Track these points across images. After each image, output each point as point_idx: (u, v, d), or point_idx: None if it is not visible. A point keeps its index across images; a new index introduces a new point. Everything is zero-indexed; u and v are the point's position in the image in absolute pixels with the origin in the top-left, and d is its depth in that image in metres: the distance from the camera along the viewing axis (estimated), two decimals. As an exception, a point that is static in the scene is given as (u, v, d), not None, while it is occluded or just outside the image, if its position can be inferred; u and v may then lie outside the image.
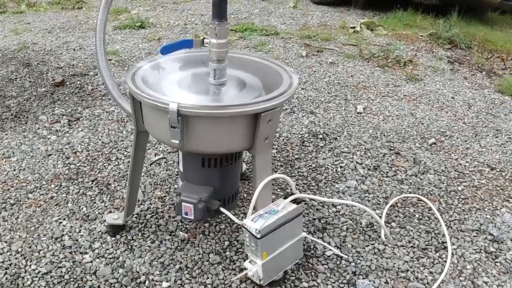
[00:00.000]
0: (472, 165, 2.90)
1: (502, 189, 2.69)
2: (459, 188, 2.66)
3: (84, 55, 4.36)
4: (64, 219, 2.29)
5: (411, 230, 2.30)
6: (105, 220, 2.22)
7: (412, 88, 3.99)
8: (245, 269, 1.77)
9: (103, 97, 3.50)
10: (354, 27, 5.54)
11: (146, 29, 5.27)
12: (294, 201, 1.79)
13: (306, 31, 5.40)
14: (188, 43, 1.76)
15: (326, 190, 2.54)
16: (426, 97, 3.83)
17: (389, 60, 4.58)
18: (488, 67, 4.77)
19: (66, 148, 2.86)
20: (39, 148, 2.86)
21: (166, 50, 1.72)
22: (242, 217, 2.26)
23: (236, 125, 1.60)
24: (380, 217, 2.34)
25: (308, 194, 2.50)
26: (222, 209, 1.84)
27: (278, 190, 2.54)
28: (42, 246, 2.12)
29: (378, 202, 2.48)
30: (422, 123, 3.36)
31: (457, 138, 3.21)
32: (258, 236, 1.66)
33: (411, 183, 2.66)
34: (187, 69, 1.97)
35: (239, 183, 2.22)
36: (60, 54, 4.39)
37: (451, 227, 2.35)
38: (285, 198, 1.81)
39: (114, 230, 2.18)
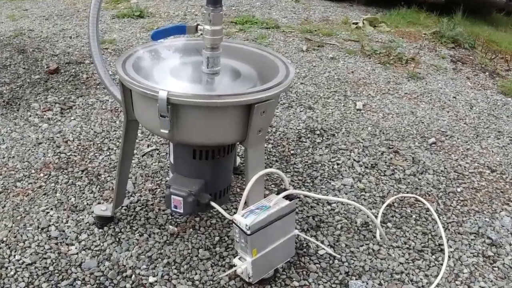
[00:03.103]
0: (472, 166, 2.86)
1: (502, 192, 2.65)
2: (458, 190, 2.62)
3: (80, 43, 4.31)
4: (52, 209, 2.25)
5: (408, 231, 2.27)
6: (93, 211, 2.17)
7: (413, 86, 3.94)
8: (235, 265, 1.73)
9: (98, 86, 3.45)
10: (356, 23, 5.49)
11: (145, 19, 5.21)
12: (287, 197, 1.75)
13: (308, 25, 5.35)
14: (181, 29, 1.71)
15: (322, 187, 2.50)
16: (428, 95, 3.79)
17: (391, 57, 4.53)
18: (491, 68, 4.73)
19: (57, 137, 2.81)
20: (29, 136, 2.81)
21: (158, 36, 1.67)
22: (234, 212, 2.21)
23: (228, 116, 1.55)
24: (376, 216, 2.30)
25: (303, 190, 2.45)
26: (212, 203, 1.79)
27: (272, 185, 2.50)
28: (27, 236, 2.08)
29: (375, 201, 2.44)
30: (423, 122, 3.31)
31: (458, 138, 3.17)
32: (248, 232, 1.61)
33: (409, 182, 2.62)
34: (181, 57, 1.92)
35: (232, 177, 2.16)
36: (56, 41, 4.34)
37: (449, 229, 2.31)
38: (278, 193, 1.76)
39: (102, 221, 2.14)
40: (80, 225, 2.15)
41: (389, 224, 2.29)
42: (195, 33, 1.73)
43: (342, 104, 3.45)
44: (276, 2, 6.28)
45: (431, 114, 3.46)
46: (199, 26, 1.69)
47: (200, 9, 5.61)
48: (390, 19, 5.88)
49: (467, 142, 3.14)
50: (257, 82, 1.75)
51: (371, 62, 4.37)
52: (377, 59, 4.47)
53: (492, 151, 3.06)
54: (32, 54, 4.01)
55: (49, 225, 2.15)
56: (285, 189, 1.76)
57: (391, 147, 2.95)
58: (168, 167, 2.56)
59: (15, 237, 2.07)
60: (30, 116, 3.02)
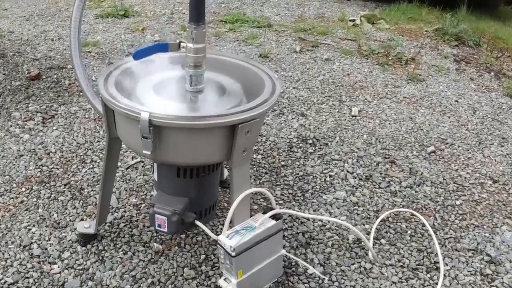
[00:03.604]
0: (473, 177, 2.92)
1: (504, 204, 2.71)
2: (457, 203, 2.69)
3: (62, 46, 4.38)
4: (34, 225, 2.32)
5: (402, 248, 2.33)
6: (76, 228, 2.25)
7: (413, 89, 4.02)
8: (220, 287, 1.81)
9: (80, 93, 3.52)
10: (353, 20, 5.56)
11: (130, 18, 5.28)
12: (274, 216, 1.83)
13: (302, 23, 5.43)
14: (163, 47, 1.78)
15: (313, 202, 2.58)
16: (428, 99, 3.87)
17: (390, 58, 4.61)
18: (497, 68, 4.79)
19: (39, 148, 2.89)
20: (10, 148, 2.89)
21: (139, 55, 1.75)
22: (221, 229, 2.29)
23: (212, 136, 1.63)
24: (369, 233, 2.37)
25: (289, 209, 2.52)
26: (197, 223, 1.87)
27: (261, 199, 2.57)
28: (9, 255, 2.15)
29: (368, 216, 2.51)
30: (422, 129, 3.39)
31: (459, 146, 3.24)
32: (233, 254, 1.69)
33: (405, 195, 2.69)
34: (165, 71, 2.00)
35: (218, 193, 2.25)
36: (37, 44, 4.41)
37: (446, 246, 2.37)
38: (264, 213, 1.84)
39: (85, 239, 2.21)
40: (63, 242, 2.23)
41: (383, 241, 2.36)
42: (177, 50, 1.80)
43: (337, 110, 3.53)
44: (268, -3, 6.35)
45: (431, 120, 3.54)
46: (181, 44, 1.77)
47: (187, 6, 5.67)
48: (389, 15, 5.96)
49: (468, 150, 3.21)
50: (242, 98, 1.83)
51: (368, 63, 4.44)
52: (375, 59, 4.55)
53: (495, 160, 3.12)
54: (13, 58, 4.08)
55: (32, 243, 2.22)
56: (271, 208, 1.84)
57: (387, 156, 3.02)
58: (153, 180, 2.64)
59: (-4, 255, 2.14)
60: (11, 126, 3.10)
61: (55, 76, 3.79)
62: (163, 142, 1.62)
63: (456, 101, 3.91)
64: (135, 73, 1.91)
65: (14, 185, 2.59)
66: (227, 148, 1.67)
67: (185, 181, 1.90)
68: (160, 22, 5.25)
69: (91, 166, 2.77)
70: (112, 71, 1.86)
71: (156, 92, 1.81)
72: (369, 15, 5.66)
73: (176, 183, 1.91)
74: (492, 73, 4.64)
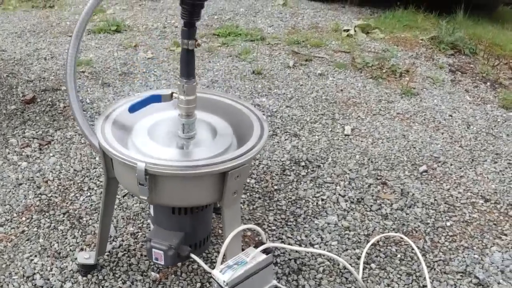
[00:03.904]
0: (465, 196, 3.08)
1: (495, 224, 2.87)
2: (448, 224, 2.85)
3: (56, 66, 4.57)
4: (36, 256, 2.50)
5: (391, 272, 2.50)
6: (76, 258, 2.44)
7: (406, 104, 4.20)
8: (214, 318, 2.00)
9: (76, 117, 3.71)
10: (348, 30, 5.74)
11: (122, 33, 5.48)
12: (265, 251, 2.02)
13: (295, 35, 5.61)
14: (157, 98, 1.99)
15: (305, 227, 2.77)
16: (422, 115, 4.05)
17: (384, 70, 4.78)
18: (493, 77, 4.95)
19: (37, 176, 3.07)
20: (9, 176, 3.07)
21: (134, 109, 1.95)
22: (216, 256, 2.49)
23: (204, 182, 1.82)
24: (359, 257, 2.56)
25: (282, 234, 2.70)
26: (192, 256, 2.06)
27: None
28: (13, 286, 2.33)
29: (359, 240, 2.70)
30: (414, 147, 3.57)
31: (451, 164, 3.40)
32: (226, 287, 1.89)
33: (396, 218, 2.87)
34: (158, 112, 2.19)
35: (211, 225, 2.44)
36: (30, 64, 4.60)
37: (435, 269, 2.53)
38: (256, 247, 2.03)
39: (86, 269, 2.40)
40: (64, 273, 2.41)
41: (373, 265, 2.54)
42: (170, 101, 2.01)
43: (330, 129, 3.72)
44: (261, 7, 6.53)
45: (424, 137, 3.72)
46: (174, 94, 1.97)
47: (180, 20, 5.85)
48: (384, 24, 6.12)
49: (461, 168, 3.38)
50: (233, 140, 2.03)
51: (362, 77, 4.63)
52: (369, 72, 4.73)
53: (488, 178, 3.29)
54: (7, 80, 4.27)
55: (34, 273, 2.40)
56: (262, 243, 2.04)
57: (379, 177, 3.21)
58: (149, 207, 2.84)
59: (1, 286, 2.32)
60: (9, 153, 3.29)
61: (49, 99, 3.98)
62: (158, 187, 1.81)
63: (450, 115, 4.08)
64: (129, 117, 2.10)
65: (15, 215, 2.78)
66: (218, 191, 1.87)
67: (180, 217, 2.09)
68: (153, 37, 5.44)
69: (89, 194, 2.95)
70: (108, 115, 2.06)
71: (151, 136, 2.01)
72: (363, 25, 5.82)
73: (172, 219, 2.10)
74: (488, 83, 4.80)
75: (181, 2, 1.78)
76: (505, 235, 2.80)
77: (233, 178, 1.82)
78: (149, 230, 2.61)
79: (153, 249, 2.03)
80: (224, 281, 1.88)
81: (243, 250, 2.04)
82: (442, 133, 3.80)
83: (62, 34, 5.46)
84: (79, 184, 3.02)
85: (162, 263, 2.04)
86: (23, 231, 2.66)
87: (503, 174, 3.34)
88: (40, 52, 4.91)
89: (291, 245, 2.63)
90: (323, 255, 2.57)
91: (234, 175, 1.81)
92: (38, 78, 4.31)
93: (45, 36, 5.38)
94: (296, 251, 2.58)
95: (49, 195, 2.93)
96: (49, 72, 4.44)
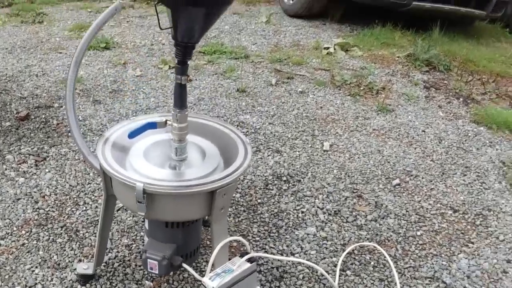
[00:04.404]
0: (435, 207, 3.33)
1: (462, 233, 3.11)
2: (418, 233, 3.09)
3: (47, 83, 4.78)
4: (37, 267, 2.71)
5: (365, 278, 2.74)
6: (75, 269, 2.67)
7: (382, 120, 4.45)
8: (204, 321, 2.24)
9: (69, 134, 3.93)
10: (328, 48, 6.00)
11: (111, 50, 5.69)
12: (249, 260, 2.27)
13: (278, 53, 5.86)
14: (153, 125, 2.25)
15: (286, 237, 3.01)
16: (396, 131, 4.30)
17: (361, 88, 5.04)
18: (466, 93, 5.21)
19: (35, 192, 3.28)
20: (7, 192, 3.28)
21: (133, 135, 2.21)
22: (205, 265, 2.72)
23: (195, 199, 2.07)
24: (336, 265, 2.81)
25: (265, 245, 2.94)
26: (184, 265, 2.30)
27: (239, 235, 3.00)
28: (16, 296, 2.54)
29: (336, 250, 2.94)
30: (389, 162, 3.82)
31: (423, 178, 3.66)
32: (215, 294, 2.13)
33: (370, 228, 3.11)
34: (152, 135, 2.44)
35: (201, 237, 2.68)
36: (22, 81, 4.81)
37: (405, 275, 2.77)
38: (241, 256, 2.27)
39: (84, 279, 2.62)
40: (64, 282, 2.62)
41: (348, 272, 2.78)
42: (164, 127, 2.26)
43: (310, 145, 3.97)
44: (246, 24, 6.77)
45: (398, 152, 3.98)
46: (168, 122, 2.23)
47: (168, 36, 6.09)
48: (363, 41, 6.38)
49: (431, 181, 3.63)
50: (220, 161, 2.29)
51: (340, 94, 4.89)
52: (347, 90, 4.98)
53: (457, 190, 3.54)
54: (0, 96, 4.48)
55: (36, 284, 2.60)
56: (247, 253, 2.28)
57: (355, 191, 3.46)
58: (142, 221, 3.07)
59: (5, 296, 2.55)
60: (6, 169, 3.50)
61: (43, 116, 4.19)
62: (155, 204, 2.06)
63: (423, 131, 4.34)
64: (126, 140, 2.35)
65: (15, 228, 2.98)
66: (207, 207, 2.12)
67: (173, 230, 2.33)
68: (141, 54, 5.67)
69: (84, 208, 3.17)
70: (107, 138, 2.30)
71: (146, 158, 2.26)
72: (342, 43, 6.08)
73: (165, 232, 2.34)
74: (461, 99, 5.06)
75: (175, 44, 2.02)
76: (472, 243, 3.04)
77: (221, 196, 2.08)
78: (143, 242, 2.83)
79: (148, 260, 2.27)
80: (213, 287, 2.12)
81: (229, 259, 2.29)
82: (415, 148, 4.04)
83: (52, 51, 5.66)
84: (75, 199, 3.24)
85: (157, 272, 2.28)
86: (23, 244, 2.86)
87: (471, 186, 3.58)
88: (31, 68, 5.11)
89: (274, 254, 2.87)
90: (303, 263, 2.79)
91: (221, 193, 2.07)
92: (30, 95, 4.52)
93: (36, 52, 5.58)
94: (278, 260, 2.81)
95: (47, 209, 3.14)
96: (41, 89, 4.65)
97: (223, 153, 2.35)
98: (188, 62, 2.11)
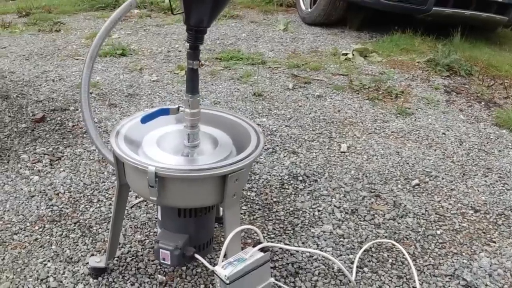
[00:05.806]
0: (455, 207, 3.30)
1: (484, 232, 3.07)
2: (438, 232, 3.06)
3: (64, 87, 4.83)
4: (49, 260, 2.72)
5: (383, 275, 2.72)
6: (87, 263, 2.68)
7: (401, 123, 4.44)
8: (217, 311, 2.24)
9: (84, 135, 3.96)
10: (346, 54, 6.00)
11: (127, 57, 5.75)
12: (262, 249, 2.26)
13: (295, 59, 5.87)
14: (165, 111, 2.27)
15: (302, 235, 3.00)
16: (415, 133, 4.28)
17: (380, 92, 5.03)
18: (488, 97, 5.18)
19: (49, 189, 3.31)
20: (22, 189, 3.31)
21: (146, 120, 2.23)
22: (218, 261, 2.72)
23: (207, 184, 2.08)
24: (353, 262, 2.79)
25: (279, 242, 2.94)
26: (196, 256, 2.31)
27: (255, 234, 2.99)
28: (28, 287, 2.55)
29: (353, 247, 2.92)
30: (407, 163, 3.80)
31: (443, 178, 3.63)
32: (227, 282, 2.12)
33: (387, 227, 3.09)
34: (166, 125, 2.46)
35: (214, 229, 2.68)
36: (39, 85, 4.86)
37: (424, 272, 2.74)
38: (254, 246, 2.27)
39: (96, 272, 2.63)
40: (76, 275, 2.64)
41: (366, 269, 2.76)
42: (176, 114, 2.29)
43: (327, 147, 3.97)
44: (263, 32, 6.80)
45: (417, 154, 3.96)
46: (180, 108, 2.25)
47: (184, 44, 6.13)
48: (382, 47, 6.38)
49: (452, 182, 3.60)
50: (232, 149, 2.30)
51: (359, 98, 4.88)
52: (366, 94, 4.98)
53: (478, 190, 3.50)
54: (16, 100, 4.53)
55: (48, 276, 2.62)
56: (260, 242, 2.28)
57: (372, 191, 3.44)
58: (155, 218, 3.08)
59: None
60: (21, 168, 3.54)
61: (59, 118, 4.23)
62: (166, 189, 2.06)
63: (444, 133, 4.31)
64: (138, 132, 2.37)
65: (28, 224, 3.00)
66: (219, 193, 2.12)
67: (185, 220, 2.34)
68: (157, 60, 5.72)
69: (98, 205, 3.19)
70: (121, 127, 2.32)
71: (160, 146, 2.28)
72: (361, 49, 6.08)
73: (177, 222, 2.35)
74: (483, 103, 5.03)
75: (187, 29, 2.05)
76: (494, 242, 3.00)
77: (233, 181, 2.08)
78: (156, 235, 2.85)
79: (161, 250, 2.27)
80: (225, 276, 2.12)
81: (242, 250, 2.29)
82: (435, 150, 4.02)
83: (69, 57, 5.73)
84: (89, 197, 3.26)
85: (169, 262, 2.29)
86: (36, 239, 2.88)
87: (493, 187, 3.55)
88: (48, 74, 5.17)
89: (289, 250, 2.86)
90: (318, 258, 2.79)
91: (233, 178, 2.07)
92: (47, 99, 4.57)
93: (53, 59, 5.65)
94: (295, 252, 2.80)
95: (61, 206, 3.16)
96: (57, 93, 4.70)
97: (236, 142, 2.36)
98: (201, 48, 2.13)
